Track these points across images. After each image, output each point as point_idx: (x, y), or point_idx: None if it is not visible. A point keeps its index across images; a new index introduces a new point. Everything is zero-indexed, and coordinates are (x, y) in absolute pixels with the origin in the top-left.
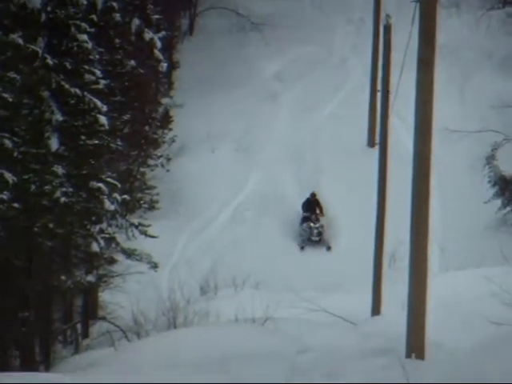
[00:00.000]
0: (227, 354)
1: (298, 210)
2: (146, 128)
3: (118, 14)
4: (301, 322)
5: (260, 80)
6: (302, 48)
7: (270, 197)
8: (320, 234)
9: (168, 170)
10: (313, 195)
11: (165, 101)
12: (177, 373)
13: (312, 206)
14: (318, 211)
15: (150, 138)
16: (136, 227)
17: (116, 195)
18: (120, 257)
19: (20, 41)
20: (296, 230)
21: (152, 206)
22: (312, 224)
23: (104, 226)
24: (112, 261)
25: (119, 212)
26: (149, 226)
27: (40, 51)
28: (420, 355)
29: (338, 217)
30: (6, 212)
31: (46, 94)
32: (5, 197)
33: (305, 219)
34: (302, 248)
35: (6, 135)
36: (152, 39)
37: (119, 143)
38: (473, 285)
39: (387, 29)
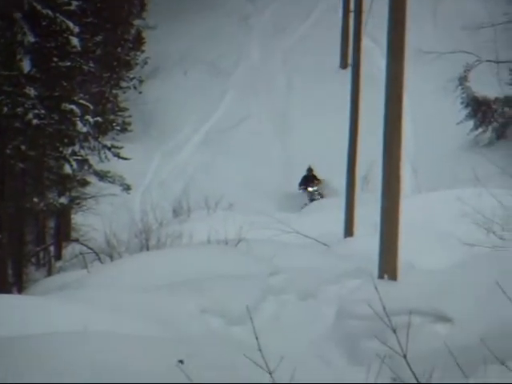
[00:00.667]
0: (200, 276)
1: (269, 131)
2: (119, 50)
3: None
4: (274, 244)
5: (232, 2)
6: None
7: (243, 118)
8: (321, 194)
9: (140, 92)
10: (310, 170)
11: (137, 22)
12: (149, 294)
13: (309, 180)
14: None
15: (122, 60)
16: (109, 149)
17: (88, 117)
18: (93, 179)
19: None
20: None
21: (124, 128)
22: (310, 188)
23: (76, 147)
24: (84, 183)
25: (92, 134)
26: (121, 148)
27: None
28: (392, 276)
29: (307, 138)
30: None
31: (17, 15)
32: None
33: (303, 190)
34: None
35: None
36: None
37: (91, 65)
38: (445, 206)
39: None
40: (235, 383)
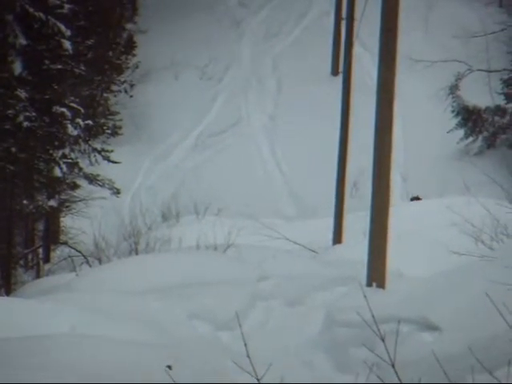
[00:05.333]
0: (188, 281)
1: (260, 137)
2: (110, 53)
3: None
4: (262, 250)
5: (224, 6)
6: None
7: (233, 123)
8: None
9: (131, 96)
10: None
11: (129, 26)
12: (137, 298)
13: None
14: None
15: (113, 64)
16: (99, 153)
17: (79, 120)
18: (82, 182)
19: None
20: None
21: (115, 132)
22: None
23: (67, 151)
24: (74, 186)
25: (82, 137)
26: (111, 151)
27: None
28: (381, 284)
29: (299, 144)
30: None
31: (9, 17)
32: None
33: None
34: None
35: None
36: None
37: (83, 68)
38: (434, 214)
39: None
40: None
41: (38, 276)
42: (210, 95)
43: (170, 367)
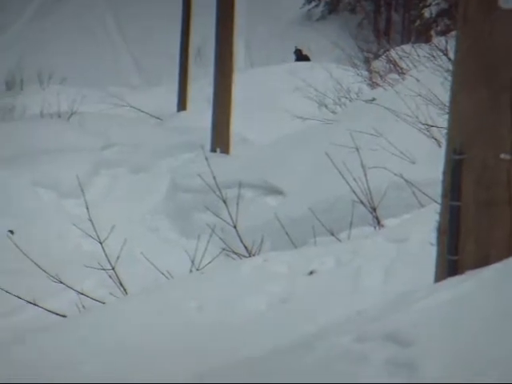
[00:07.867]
0: (32, 149)
1: (102, 6)
2: None
3: None
4: (107, 118)
5: None
6: None
7: None
8: None
9: None
10: (298, 51)
11: None
12: None
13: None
14: None
15: None
16: None
17: None
18: None
19: None
20: None
21: None
22: None
23: None
24: None
25: None
26: None
27: None
28: (225, 149)
29: (143, 14)
30: None
31: None
32: None
33: None
34: None
35: None
36: None
37: None
38: (278, 80)
39: None
40: None
41: None
42: None
43: (11, 232)
